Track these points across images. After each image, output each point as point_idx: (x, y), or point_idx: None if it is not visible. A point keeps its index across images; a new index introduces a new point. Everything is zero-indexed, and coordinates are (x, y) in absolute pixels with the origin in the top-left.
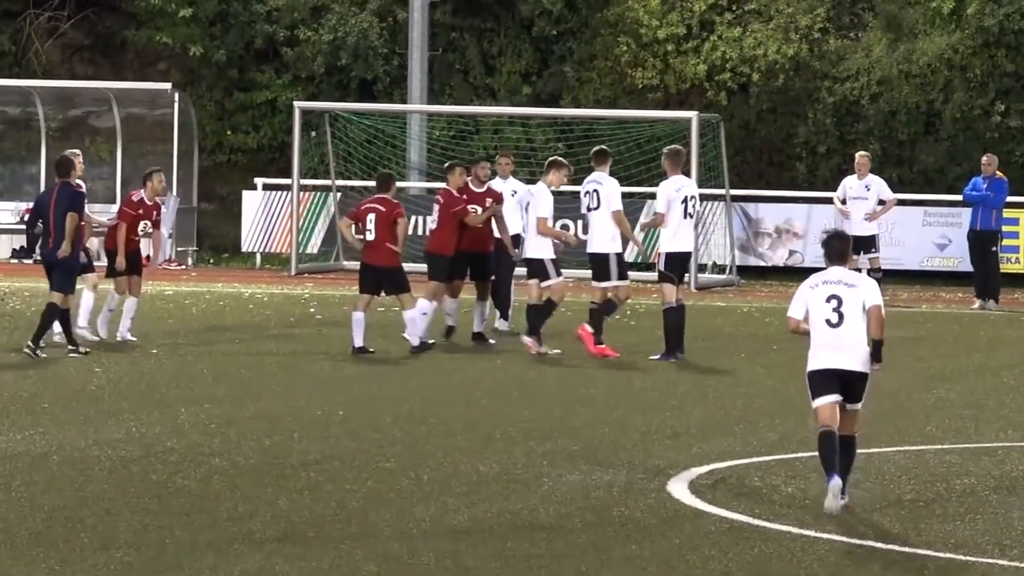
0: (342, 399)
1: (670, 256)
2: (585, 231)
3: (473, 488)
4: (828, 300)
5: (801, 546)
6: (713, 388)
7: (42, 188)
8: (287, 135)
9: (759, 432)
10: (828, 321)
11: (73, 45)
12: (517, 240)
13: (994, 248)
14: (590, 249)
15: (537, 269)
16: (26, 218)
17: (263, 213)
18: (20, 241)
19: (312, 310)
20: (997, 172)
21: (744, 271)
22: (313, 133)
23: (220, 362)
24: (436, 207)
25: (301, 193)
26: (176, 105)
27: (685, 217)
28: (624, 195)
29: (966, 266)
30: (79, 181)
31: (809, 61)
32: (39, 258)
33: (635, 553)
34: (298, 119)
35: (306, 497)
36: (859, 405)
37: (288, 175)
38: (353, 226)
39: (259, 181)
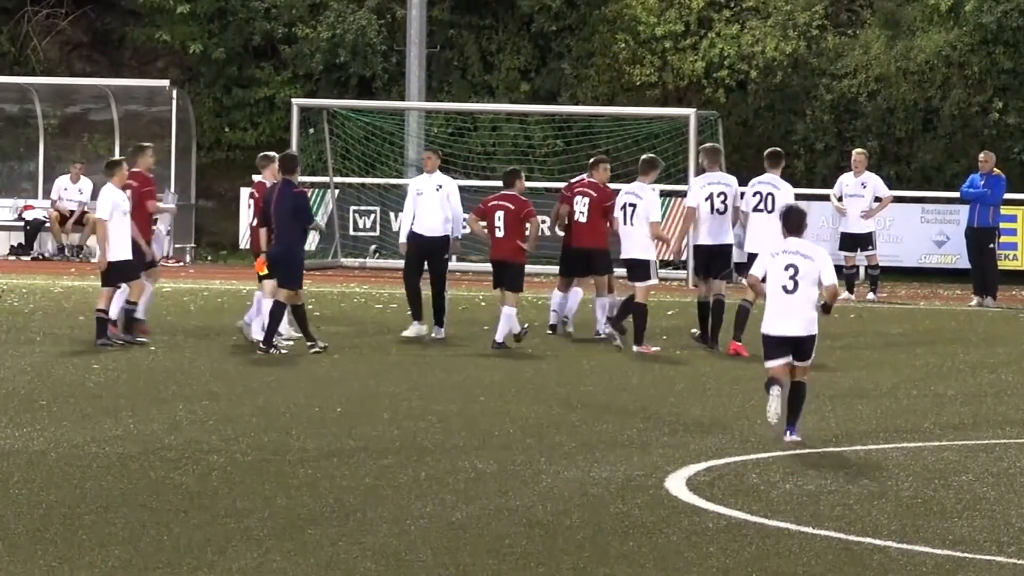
0: (340, 396)
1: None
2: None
3: (471, 485)
4: (786, 268)
5: (799, 543)
6: (711, 385)
7: (40, 185)
8: (285, 132)
9: (757, 429)
10: (784, 287)
11: (71, 42)
12: (448, 241)
13: (992, 245)
14: (750, 248)
15: (642, 271)
16: (27, 215)
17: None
18: (18, 238)
19: (310, 307)
20: (995, 169)
21: (742, 268)
22: (311, 130)
23: (218, 359)
24: (587, 200)
25: None
26: (174, 102)
27: (712, 212)
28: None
29: (964, 263)
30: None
31: (807, 58)
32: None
33: (633, 550)
34: (296, 116)
35: (304, 494)
36: (808, 362)
37: (288, 173)
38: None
39: (257, 178)
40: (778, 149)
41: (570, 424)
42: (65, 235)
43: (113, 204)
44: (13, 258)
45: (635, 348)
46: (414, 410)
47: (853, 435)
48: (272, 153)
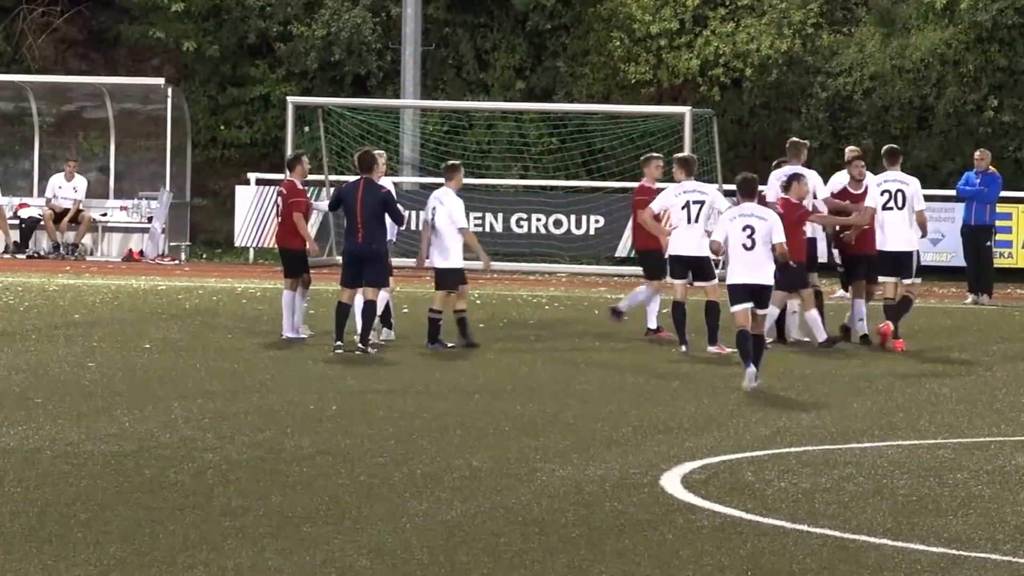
0: (335, 394)
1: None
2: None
3: (466, 483)
4: (744, 229)
5: (794, 541)
6: (706, 383)
7: (35, 183)
8: (280, 130)
9: (752, 427)
10: (744, 245)
11: (66, 40)
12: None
13: (987, 243)
14: (893, 247)
15: (706, 269)
16: (21, 213)
17: (256, 208)
18: (13, 236)
19: (305, 304)
20: (990, 167)
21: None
22: (306, 128)
23: (213, 357)
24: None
25: None
26: (169, 100)
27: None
28: (616, 190)
29: (959, 261)
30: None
31: (802, 56)
32: (344, 251)
33: (628, 548)
34: (291, 114)
35: (299, 492)
36: (766, 311)
37: (281, 170)
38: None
39: (252, 176)
40: (895, 146)
41: (565, 422)
42: (60, 233)
43: (457, 211)
44: (8, 256)
45: (710, 349)
46: (409, 408)
47: (848, 433)
48: (303, 151)
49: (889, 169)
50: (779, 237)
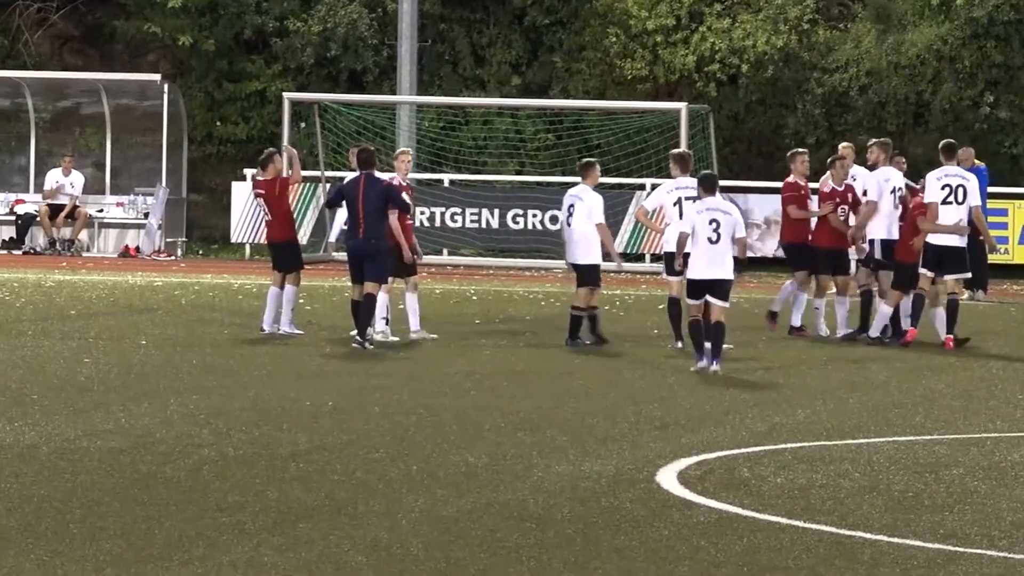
0: (331, 390)
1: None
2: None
3: (462, 479)
4: (710, 223)
5: (790, 537)
6: (701, 379)
7: (31, 179)
8: (276, 126)
9: (748, 423)
10: (709, 239)
11: (62, 36)
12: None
13: (980, 238)
14: (951, 243)
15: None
16: (17, 209)
17: (252, 204)
18: (9, 232)
19: (301, 301)
20: (975, 161)
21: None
22: (303, 124)
23: (209, 353)
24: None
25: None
26: (165, 96)
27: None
28: (612, 187)
29: None
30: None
31: (798, 52)
32: (345, 248)
33: (624, 544)
34: (287, 110)
35: (295, 488)
36: (726, 303)
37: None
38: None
39: (248, 172)
40: (952, 141)
41: (561, 418)
42: (56, 229)
43: (597, 207)
44: (4, 252)
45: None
46: (405, 404)
47: (844, 429)
48: (274, 149)
49: (947, 164)
50: (741, 232)
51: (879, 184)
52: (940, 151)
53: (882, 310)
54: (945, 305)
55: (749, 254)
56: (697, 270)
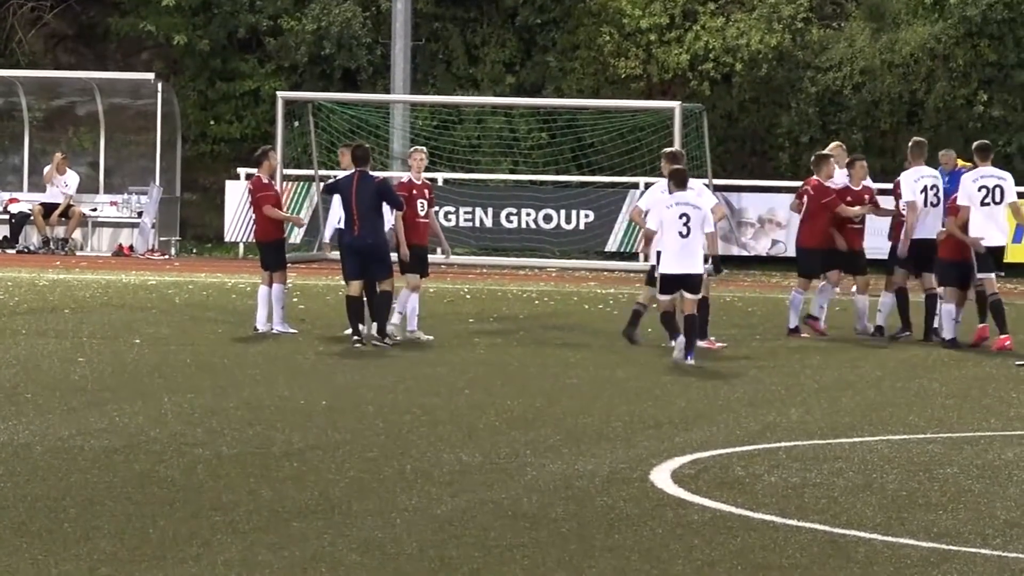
0: (325, 389)
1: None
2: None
3: (456, 477)
4: (680, 217)
5: (783, 535)
6: (695, 378)
7: (25, 178)
8: (270, 125)
9: (741, 422)
10: (680, 233)
11: (56, 35)
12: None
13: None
14: (992, 243)
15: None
16: (11, 208)
17: (246, 203)
18: (3, 231)
19: (295, 299)
20: (958, 164)
21: (727, 261)
22: (296, 123)
23: (203, 352)
24: (805, 198)
25: (284, 183)
26: (159, 95)
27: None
28: (607, 185)
29: None
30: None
31: (792, 51)
32: (342, 245)
33: (618, 543)
34: (281, 109)
35: (289, 487)
36: (697, 296)
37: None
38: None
39: (242, 171)
40: (986, 142)
41: (555, 417)
42: (50, 228)
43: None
44: None
45: (699, 343)
46: (399, 403)
47: (838, 428)
48: (269, 147)
49: (981, 165)
50: (710, 227)
51: (911, 184)
52: (974, 152)
53: (944, 309)
54: (990, 304)
55: (742, 252)
56: (669, 265)
